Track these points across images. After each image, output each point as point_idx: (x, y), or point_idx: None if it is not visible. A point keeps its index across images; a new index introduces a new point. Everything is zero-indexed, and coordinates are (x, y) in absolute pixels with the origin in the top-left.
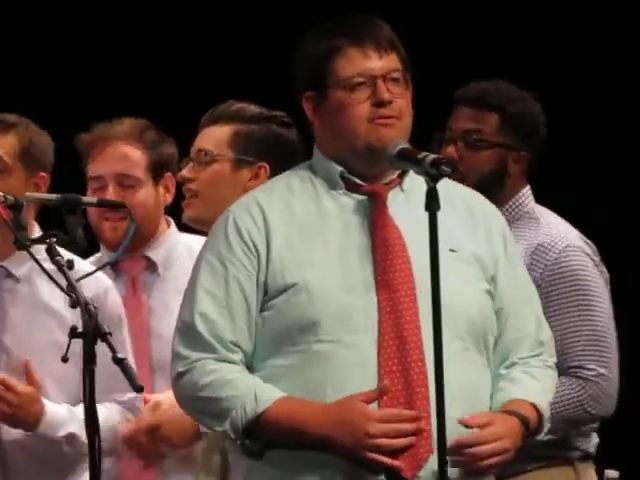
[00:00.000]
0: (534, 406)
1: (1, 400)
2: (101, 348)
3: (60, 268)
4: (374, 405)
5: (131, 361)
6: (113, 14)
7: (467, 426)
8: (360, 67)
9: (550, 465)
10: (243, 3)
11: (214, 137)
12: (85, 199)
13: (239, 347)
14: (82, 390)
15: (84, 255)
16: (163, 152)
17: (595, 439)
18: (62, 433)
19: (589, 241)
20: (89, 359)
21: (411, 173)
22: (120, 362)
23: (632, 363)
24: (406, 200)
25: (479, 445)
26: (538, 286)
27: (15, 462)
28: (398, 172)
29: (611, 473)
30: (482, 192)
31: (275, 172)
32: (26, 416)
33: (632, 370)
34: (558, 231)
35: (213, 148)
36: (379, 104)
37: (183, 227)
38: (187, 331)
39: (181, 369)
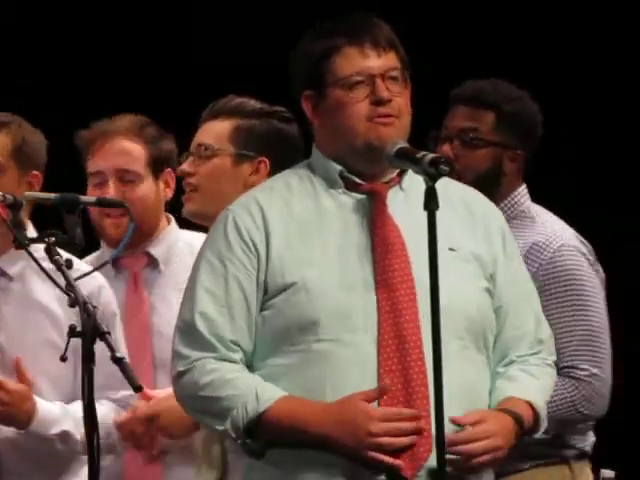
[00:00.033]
0: (530, 404)
1: None
2: (101, 344)
3: (59, 267)
4: (374, 404)
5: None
6: (112, 10)
7: (459, 424)
8: (359, 66)
9: (546, 464)
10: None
11: (215, 131)
12: (84, 198)
13: (239, 346)
14: (80, 388)
15: (82, 254)
16: (163, 147)
17: (592, 438)
18: (55, 431)
19: (584, 240)
20: (88, 358)
21: (410, 172)
22: (119, 361)
23: (629, 363)
24: (405, 199)
25: (470, 443)
26: None
27: (7, 460)
28: (397, 171)
29: (607, 473)
30: (478, 190)
31: (275, 167)
32: (18, 414)
33: (629, 370)
34: (553, 230)
35: (214, 142)
36: (378, 102)
37: (183, 224)
38: (187, 330)
39: (181, 368)
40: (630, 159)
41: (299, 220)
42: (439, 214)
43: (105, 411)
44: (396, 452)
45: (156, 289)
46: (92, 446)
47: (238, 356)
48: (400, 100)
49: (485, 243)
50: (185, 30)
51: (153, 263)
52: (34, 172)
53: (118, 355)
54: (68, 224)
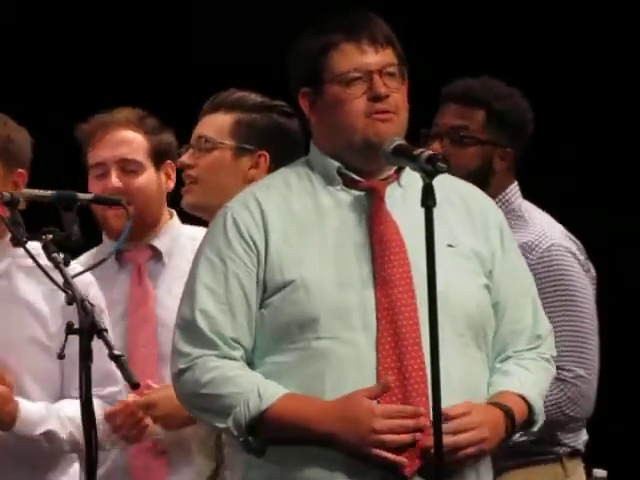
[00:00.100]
0: (522, 397)
1: None
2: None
3: (56, 265)
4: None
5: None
6: (111, 4)
7: (446, 417)
8: (356, 62)
9: (539, 462)
10: None
11: (215, 124)
12: (81, 196)
13: (240, 344)
14: (67, 386)
15: (79, 252)
16: (163, 139)
17: (584, 436)
18: (40, 431)
19: (575, 239)
20: (85, 355)
21: (408, 169)
22: (116, 359)
23: (629, 363)
24: (403, 196)
25: (455, 434)
26: None
27: None
28: (395, 168)
29: (599, 472)
30: None
31: (275, 161)
32: (0, 416)
33: (624, 369)
34: (543, 230)
35: (214, 135)
36: (375, 98)
37: (183, 219)
38: (188, 327)
39: (182, 366)
40: (630, 159)
41: (298, 218)
42: (437, 211)
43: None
44: (398, 449)
45: (160, 282)
46: (90, 443)
47: (239, 354)
48: (397, 96)
49: (483, 238)
50: (185, 24)
51: (157, 256)
52: (19, 170)
53: (115, 352)
54: (65, 221)
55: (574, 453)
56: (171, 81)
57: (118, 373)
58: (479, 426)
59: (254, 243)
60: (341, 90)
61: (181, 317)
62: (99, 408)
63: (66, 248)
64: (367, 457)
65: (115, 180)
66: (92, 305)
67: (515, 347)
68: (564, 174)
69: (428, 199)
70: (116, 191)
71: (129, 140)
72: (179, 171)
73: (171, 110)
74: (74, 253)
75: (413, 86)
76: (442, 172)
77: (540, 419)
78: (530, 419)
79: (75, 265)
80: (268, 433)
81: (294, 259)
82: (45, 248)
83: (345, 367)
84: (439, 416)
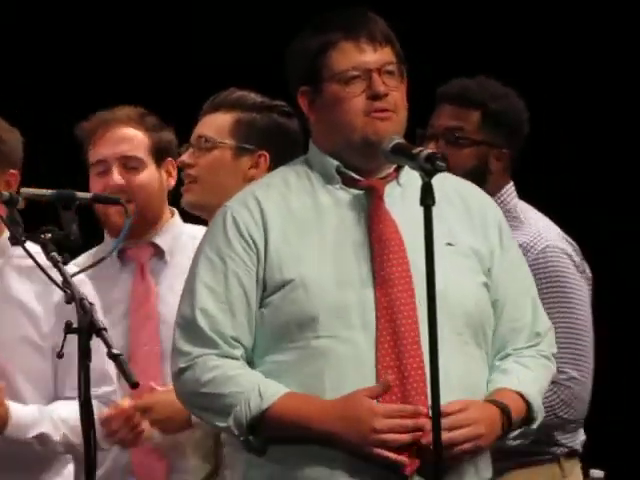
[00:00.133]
0: (520, 395)
1: None
2: (74, 343)
3: (55, 264)
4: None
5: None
6: (111, 5)
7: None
8: (355, 60)
9: (536, 462)
10: None
11: (215, 124)
12: (80, 195)
13: (240, 343)
14: (61, 386)
15: (78, 251)
16: (164, 136)
17: (582, 436)
18: (32, 434)
19: (571, 240)
20: (84, 354)
21: (407, 167)
22: (115, 358)
23: (628, 364)
24: (402, 194)
25: (451, 430)
26: None
27: None
28: (394, 166)
29: (596, 473)
30: None
31: (275, 161)
32: None
33: (623, 370)
34: (538, 231)
35: (214, 135)
36: (374, 97)
37: (185, 219)
38: (188, 326)
39: (182, 365)
40: (630, 159)
41: (297, 217)
42: (437, 209)
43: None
44: (398, 448)
45: (163, 279)
46: (89, 443)
47: (239, 352)
48: (396, 94)
49: (482, 236)
50: (185, 24)
51: (159, 254)
52: (11, 171)
53: (114, 351)
54: (64, 220)
55: (572, 453)
56: (171, 81)
57: (113, 373)
58: (475, 422)
59: (254, 242)
60: (340, 89)
61: (181, 316)
62: (95, 408)
63: (65, 247)
64: (368, 456)
65: (117, 177)
66: (91, 304)
67: (514, 345)
68: (564, 174)
69: (427, 198)
70: (118, 188)
71: (130, 137)
72: (180, 169)
73: (171, 109)
74: (73, 252)
75: (412, 86)
76: (441, 171)
77: (539, 416)
78: (529, 416)
79: (70, 266)
80: (269, 432)
81: (293, 258)
82: (44, 247)
83: (344, 366)
84: (438, 414)
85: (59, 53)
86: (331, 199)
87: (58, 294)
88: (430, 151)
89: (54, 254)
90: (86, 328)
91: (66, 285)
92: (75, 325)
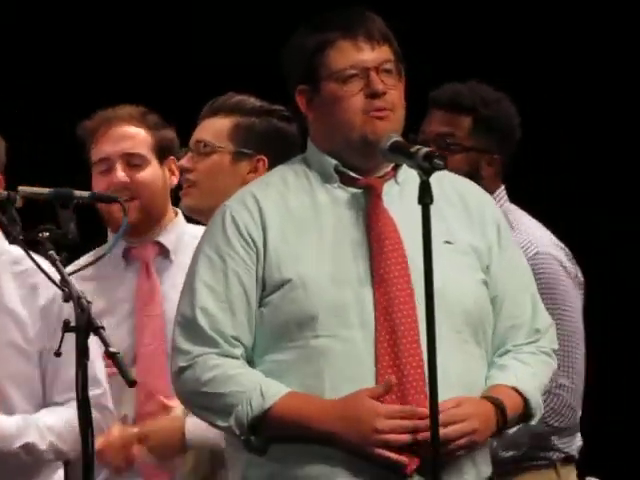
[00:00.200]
0: (516, 390)
1: None
2: (69, 343)
3: (53, 262)
4: None
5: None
6: (111, 6)
7: None
8: (352, 59)
9: (532, 467)
10: None
11: (214, 128)
12: (78, 193)
13: (240, 342)
14: (49, 391)
15: (76, 250)
16: (166, 134)
17: (578, 442)
18: (18, 444)
19: (563, 245)
20: (82, 353)
21: (405, 166)
22: (113, 356)
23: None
24: (400, 193)
25: (445, 426)
26: None
27: None
28: (392, 165)
29: None
30: None
31: (274, 166)
32: None
33: (620, 375)
34: (528, 237)
35: (213, 139)
36: (373, 95)
37: (187, 220)
38: (188, 325)
39: (183, 364)
40: (630, 159)
41: (295, 216)
42: (435, 207)
43: (74, 414)
44: (398, 448)
45: (168, 278)
46: (87, 443)
47: (239, 352)
48: (394, 93)
49: (480, 234)
50: (185, 27)
51: (164, 253)
52: None
53: (112, 350)
54: (62, 219)
55: (568, 459)
56: (171, 82)
57: (102, 375)
58: (469, 418)
59: (253, 241)
60: (338, 87)
61: (181, 314)
62: None
63: (63, 246)
64: (369, 457)
65: (121, 174)
66: (89, 302)
67: (514, 341)
68: (564, 174)
69: (425, 196)
70: (122, 185)
71: (132, 135)
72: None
73: (171, 110)
74: (71, 250)
75: (411, 86)
76: (439, 169)
77: (538, 413)
78: (527, 413)
79: (72, 267)
80: (270, 432)
81: (292, 257)
82: (42, 245)
83: (344, 365)
84: (436, 413)
85: (59, 53)
86: (329, 198)
87: (43, 298)
88: (428, 149)
89: (52, 252)
90: (84, 326)
91: (64, 283)
92: (73, 323)
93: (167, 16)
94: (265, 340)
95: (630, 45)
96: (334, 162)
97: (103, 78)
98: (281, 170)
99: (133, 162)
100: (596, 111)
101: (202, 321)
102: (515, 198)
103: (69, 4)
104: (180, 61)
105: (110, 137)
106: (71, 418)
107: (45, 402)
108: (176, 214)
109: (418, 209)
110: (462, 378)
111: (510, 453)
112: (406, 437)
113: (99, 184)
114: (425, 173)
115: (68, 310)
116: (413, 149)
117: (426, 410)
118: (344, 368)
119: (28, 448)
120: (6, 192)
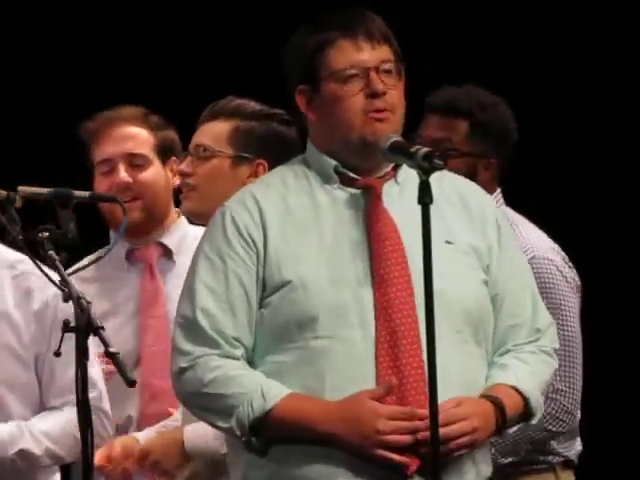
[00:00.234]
0: (516, 389)
1: None
2: (64, 346)
3: (53, 263)
4: None
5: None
6: (111, 6)
7: None
8: (352, 59)
9: (531, 471)
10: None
11: (213, 132)
12: (77, 193)
13: (241, 342)
14: (45, 395)
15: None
16: (167, 135)
17: (578, 446)
18: (12, 451)
19: (558, 247)
20: (82, 354)
21: (405, 166)
22: (113, 356)
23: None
24: (400, 193)
25: (445, 426)
26: None
27: None
28: (392, 165)
29: None
30: None
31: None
32: None
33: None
34: (525, 241)
35: (212, 144)
36: (373, 95)
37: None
38: (188, 326)
39: (184, 364)
40: (628, 161)
41: (295, 216)
42: (435, 207)
43: (71, 417)
44: (399, 449)
45: (171, 279)
46: (86, 443)
47: (240, 352)
48: (394, 93)
49: (480, 233)
50: (185, 30)
51: (167, 254)
52: None
53: (112, 350)
54: (62, 219)
55: (567, 463)
56: (171, 83)
57: (97, 378)
58: (469, 417)
59: (253, 242)
60: (338, 87)
61: (181, 315)
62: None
63: (62, 246)
64: (371, 457)
65: (123, 174)
66: (88, 302)
67: (515, 341)
68: (564, 174)
69: (425, 196)
70: (124, 186)
71: (134, 135)
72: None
73: (171, 113)
74: (70, 251)
75: (411, 86)
76: (439, 169)
77: (538, 412)
78: (527, 412)
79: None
80: (271, 433)
81: (291, 257)
82: (41, 246)
83: (344, 366)
84: (436, 413)
85: (60, 53)
86: (329, 198)
87: (38, 302)
88: (428, 149)
89: (51, 253)
90: (84, 327)
91: (64, 284)
92: (72, 324)
93: (167, 16)
94: (265, 341)
95: (628, 46)
96: (334, 163)
97: (103, 78)
98: (281, 171)
99: (135, 162)
100: (594, 113)
101: (203, 322)
102: (511, 200)
103: (69, 4)
104: (180, 61)
105: (112, 138)
106: (67, 422)
107: (42, 406)
108: (178, 215)
109: (418, 209)
110: (462, 378)
111: (509, 459)
112: (407, 438)
113: (101, 185)
114: (425, 173)
115: (67, 311)
116: (413, 149)
117: (426, 412)
118: (344, 369)
119: (23, 454)
120: (6, 192)
